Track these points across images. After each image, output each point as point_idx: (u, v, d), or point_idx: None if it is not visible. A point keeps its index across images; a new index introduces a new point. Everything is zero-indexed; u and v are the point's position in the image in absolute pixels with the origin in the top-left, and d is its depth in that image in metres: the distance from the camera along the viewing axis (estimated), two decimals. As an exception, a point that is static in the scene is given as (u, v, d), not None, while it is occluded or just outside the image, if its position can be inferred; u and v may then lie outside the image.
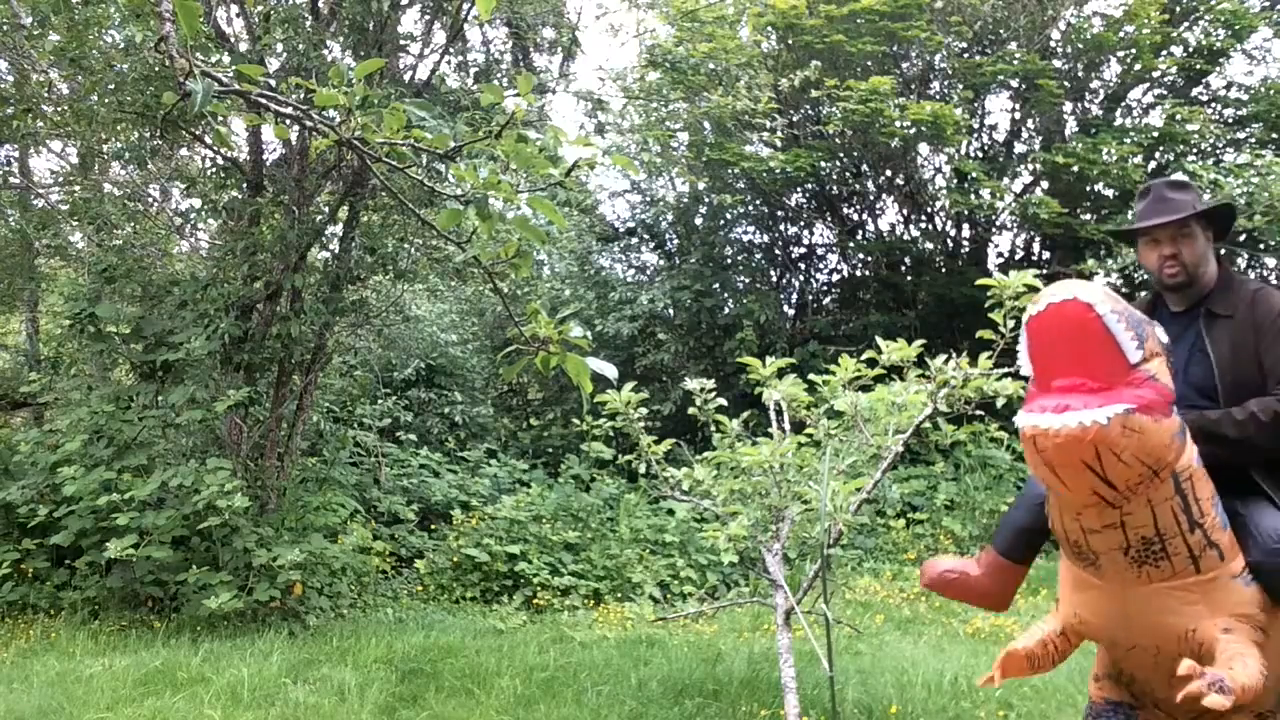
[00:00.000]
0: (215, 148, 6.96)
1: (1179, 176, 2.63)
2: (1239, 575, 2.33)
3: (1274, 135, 9.68)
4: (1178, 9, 9.91)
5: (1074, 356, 2.04)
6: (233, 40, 6.83)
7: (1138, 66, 9.82)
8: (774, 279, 12.09)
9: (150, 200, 8.34)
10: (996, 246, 11.68)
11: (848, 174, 11.52)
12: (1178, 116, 9.37)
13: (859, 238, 11.76)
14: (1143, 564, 2.25)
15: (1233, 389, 2.52)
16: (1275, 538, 2.34)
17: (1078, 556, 2.43)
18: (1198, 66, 9.88)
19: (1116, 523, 2.19)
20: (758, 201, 11.44)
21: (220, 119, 5.78)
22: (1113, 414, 1.95)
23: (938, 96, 10.37)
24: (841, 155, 11.06)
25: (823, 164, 10.54)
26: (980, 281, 3.39)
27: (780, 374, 4.12)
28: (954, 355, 3.60)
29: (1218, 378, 2.55)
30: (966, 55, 10.16)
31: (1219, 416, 2.48)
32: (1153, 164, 9.95)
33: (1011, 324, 3.26)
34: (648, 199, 12.03)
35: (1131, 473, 2.04)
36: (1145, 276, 9.92)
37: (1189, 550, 2.23)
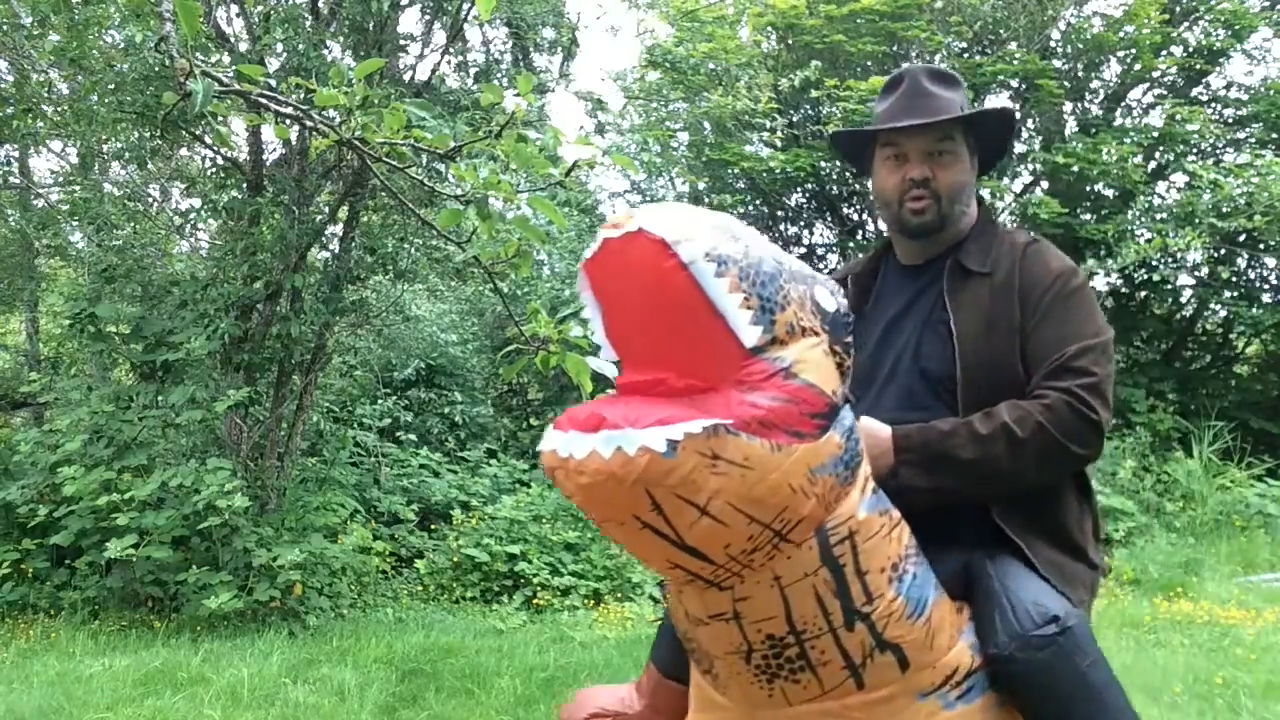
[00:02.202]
0: (215, 148, 6.96)
1: (945, 67, 1.74)
2: (936, 691, 1.52)
3: (1274, 135, 9.67)
4: (1178, 9, 9.91)
5: (645, 332, 1.33)
6: (233, 40, 6.83)
7: (1138, 66, 9.81)
8: (774, 279, 12.07)
9: (150, 200, 8.33)
10: (996, 246, 11.67)
11: (848, 174, 11.52)
12: (1178, 116, 9.36)
13: (859, 238, 11.76)
14: (774, 676, 1.47)
15: (978, 382, 1.71)
16: (1037, 615, 1.53)
17: (694, 658, 1.62)
18: (1198, 66, 9.87)
19: (728, 612, 1.42)
20: (758, 201, 11.44)
21: (220, 119, 5.78)
22: (681, 435, 1.20)
23: (938, 96, 10.36)
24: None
25: (823, 164, 10.53)
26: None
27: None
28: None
29: (959, 363, 1.72)
30: (966, 55, 10.16)
31: (952, 428, 1.65)
32: (1153, 164, 9.95)
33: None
34: (648, 199, 12.03)
35: (731, 533, 1.29)
36: (1147, 276, 9.93)
37: (844, 656, 1.45)
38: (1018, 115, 10.65)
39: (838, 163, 11.06)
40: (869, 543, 1.44)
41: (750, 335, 1.27)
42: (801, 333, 1.34)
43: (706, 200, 11.32)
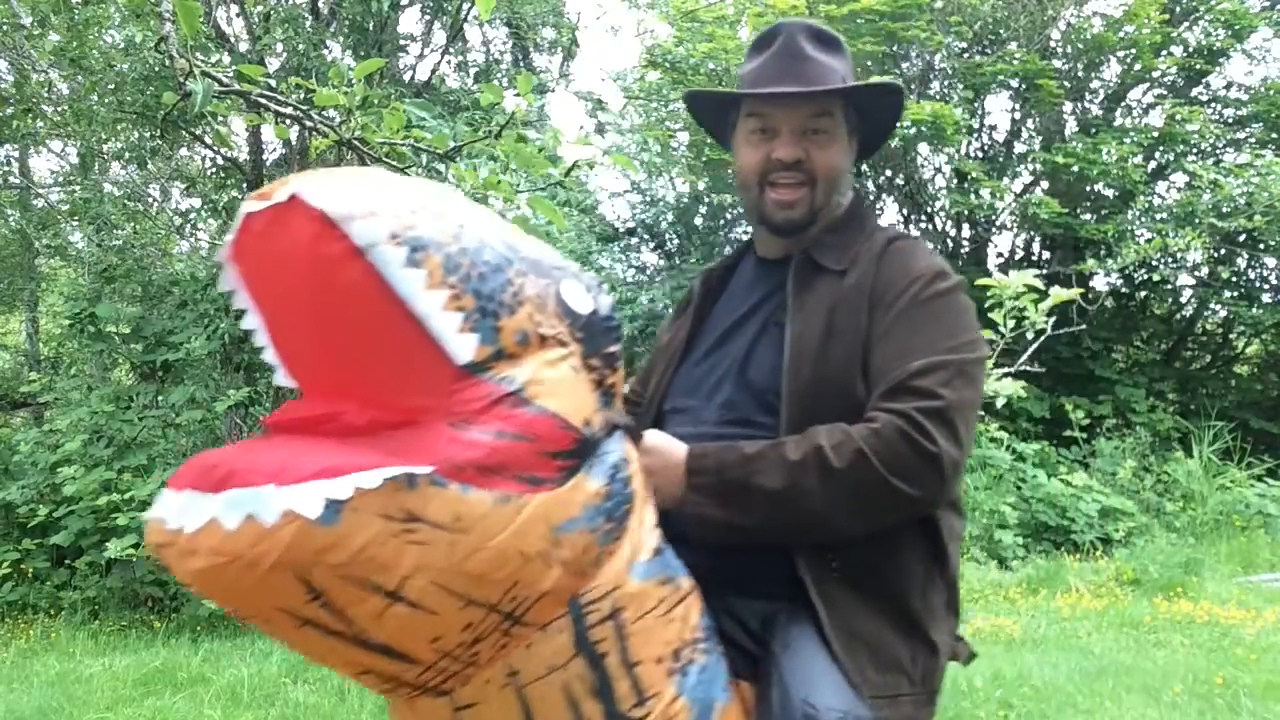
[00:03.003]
0: (215, 148, 6.96)
1: (827, 28, 1.55)
2: None
3: (1274, 135, 9.67)
4: (1178, 9, 9.91)
5: (316, 346, 1.00)
6: (233, 40, 6.83)
7: (1138, 66, 9.81)
8: (774, 279, 12.07)
9: (150, 200, 8.33)
10: (996, 246, 11.67)
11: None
12: (1178, 116, 9.36)
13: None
14: None
15: (807, 399, 1.37)
16: (808, 712, 1.21)
17: None
18: (1198, 66, 9.87)
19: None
20: (758, 201, 11.42)
21: (220, 119, 5.78)
22: (350, 492, 0.87)
23: (938, 96, 10.37)
24: (841, 155, 11.05)
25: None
26: (980, 281, 3.39)
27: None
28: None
29: (785, 373, 1.39)
30: (966, 55, 10.16)
31: (758, 451, 1.31)
32: (1153, 164, 9.95)
33: (1012, 324, 3.26)
34: (648, 199, 12.03)
35: (439, 623, 0.96)
36: (1147, 276, 9.93)
37: None
38: (1017, 115, 10.68)
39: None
40: (642, 622, 1.10)
41: (462, 348, 0.95)
42: (540, 343, 1.03)
43: (707, 200, 11.33)
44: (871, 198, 11.83)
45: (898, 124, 1.62)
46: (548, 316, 1.05)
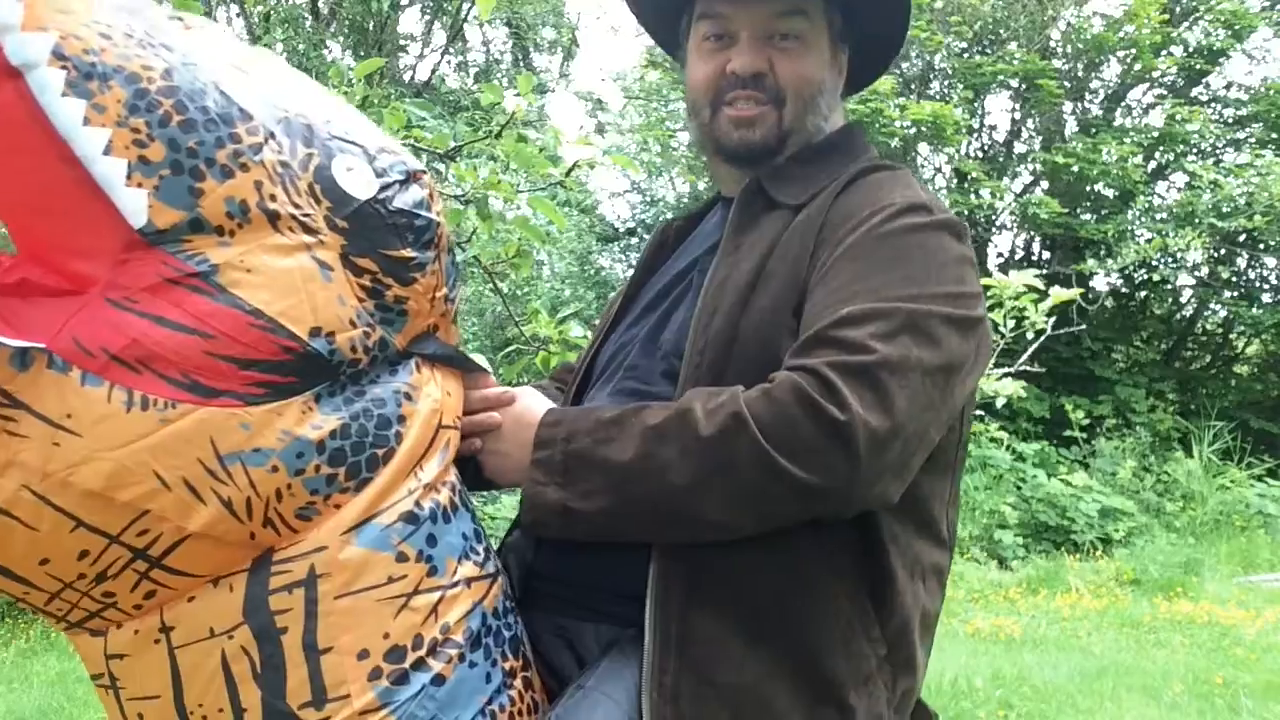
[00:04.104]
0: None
1: None
2: None
3: (1274, 135, 9.67)
4: (1178, 9, 9.91)
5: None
6: (233, 40, 6.85)
7: (1138, 66, 9.81)
8: (774, 279, 12.08)
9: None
10: (996, 247, 11.67)
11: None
12: (1178, 116, 9.36)
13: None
14: None
15: (711, 361, 1.04)
16: None
17: None
18: (1198, 66, 9.87)
19: (104, 674, 0.92)
20: (758, 201, 11.44)
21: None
22: None
23: (938, 96, 10.37)
24: (841, 155, 11.07)
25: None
26: (980, 281, 3.39)
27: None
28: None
29: (693, 323, 1.07)
30: (966, 55, 10.16)
31: (618, 414, 0.99)
32: (1153, 164, 9.95)
33: (1012, 324, 3.26)
34: (648, 199, 12.03)
35: (45, 543, 0.79)
36: (1147, 276, 9.93)
37: None
38: (1017, 115, 10.68)
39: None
40: (349, 600, 0.86)
41: (133, 206, 0.77)
42: (270, 221, 0.83)
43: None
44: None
45: (905, 36, 1.25)
46: (291, 191, 0.85)
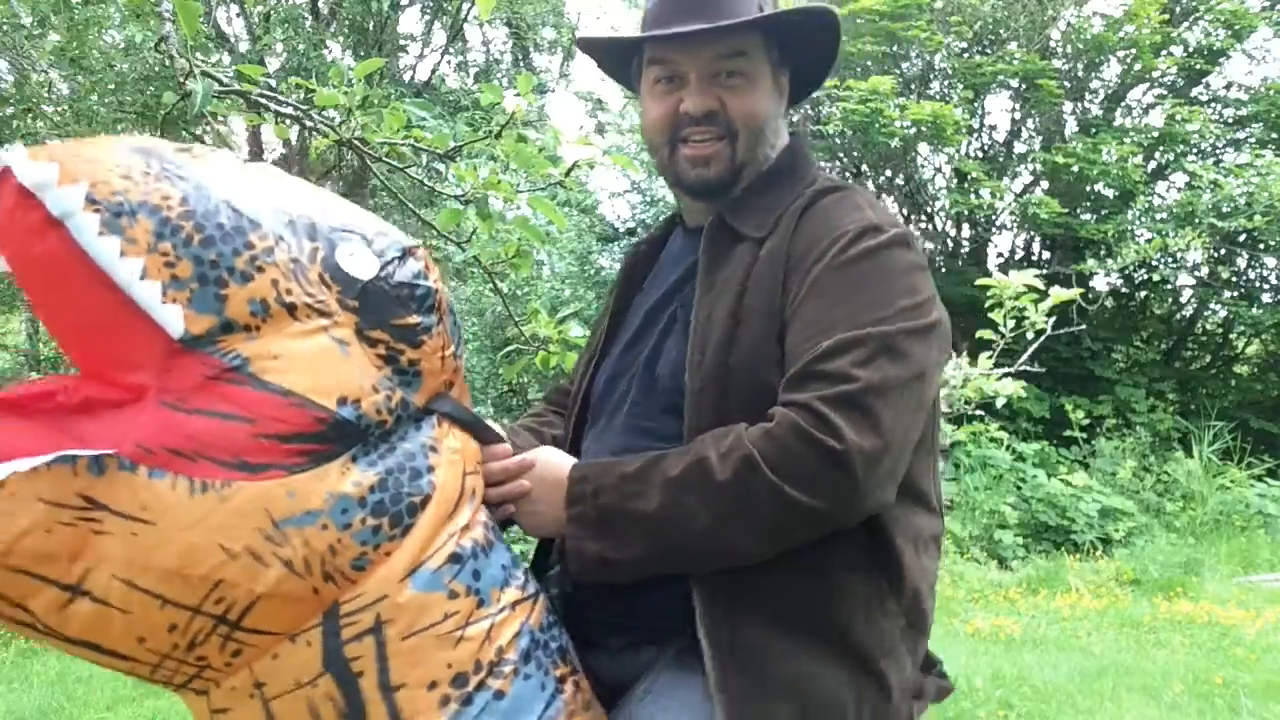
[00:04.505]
0: (215, 148, 6.97)
1: None
2: None
3: (1274, 135, 9.67)
4: (1178, 9, 9.91)
5: (50, 321, 0.96)
6: (233, 40, 6.83)
7: (1138, 66, 9.81)
8: (774, 279, 12.07)
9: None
10: (996, 246, 11.68)
11: (848, 174, 11.52)
12: (1178, 116, 9.37)
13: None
14: None
15: (713, 396, 1.15)
16: None
17: None
18: (1198, 66, 9.87)
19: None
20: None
21: (220, 119, 5.78)
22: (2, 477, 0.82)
23: (938, 96, 10.37)
24: (841, 155, 11.06)
25: (822, 164, 10.54)
26: (980, 281, 3.39)
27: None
28: (954, 355, 3.61)
29: (688, 367, 1.18)
30: (966, 55, 10.16)
31: (640, 467, 1.11)
32: (1153, 164, 9.95)
33: (1011, 324, 3.26)
34: (648, 199, 12.03)
35: (139, 623, 0.89)
36: (1147, 276, 9.93)
37: None
38: (1017, 115, 10.67)
39: (837, 162, 11.08)
40: (414, 640, 0.97)
41: (170, 319, 0.88)
42: (289, 313, 0.94)
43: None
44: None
45: (837, 53, 1.33)
46: (304, 283, 0.95)
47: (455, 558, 1.02)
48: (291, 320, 0.94)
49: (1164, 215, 9.13)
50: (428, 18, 7.44)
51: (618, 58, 1.39)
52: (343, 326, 0.97)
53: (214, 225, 0.91)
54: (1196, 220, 8.58)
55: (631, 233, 12.08)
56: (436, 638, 0.98)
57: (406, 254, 1.05)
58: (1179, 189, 9.82)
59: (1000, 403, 3.43)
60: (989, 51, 10.18)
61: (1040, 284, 3.32)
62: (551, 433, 1.42)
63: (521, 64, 8.14)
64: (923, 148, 10.54)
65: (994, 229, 11.34)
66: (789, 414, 1.05)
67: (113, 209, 0.87)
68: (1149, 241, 8.71)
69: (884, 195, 11.74)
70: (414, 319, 1.02)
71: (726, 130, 1.25)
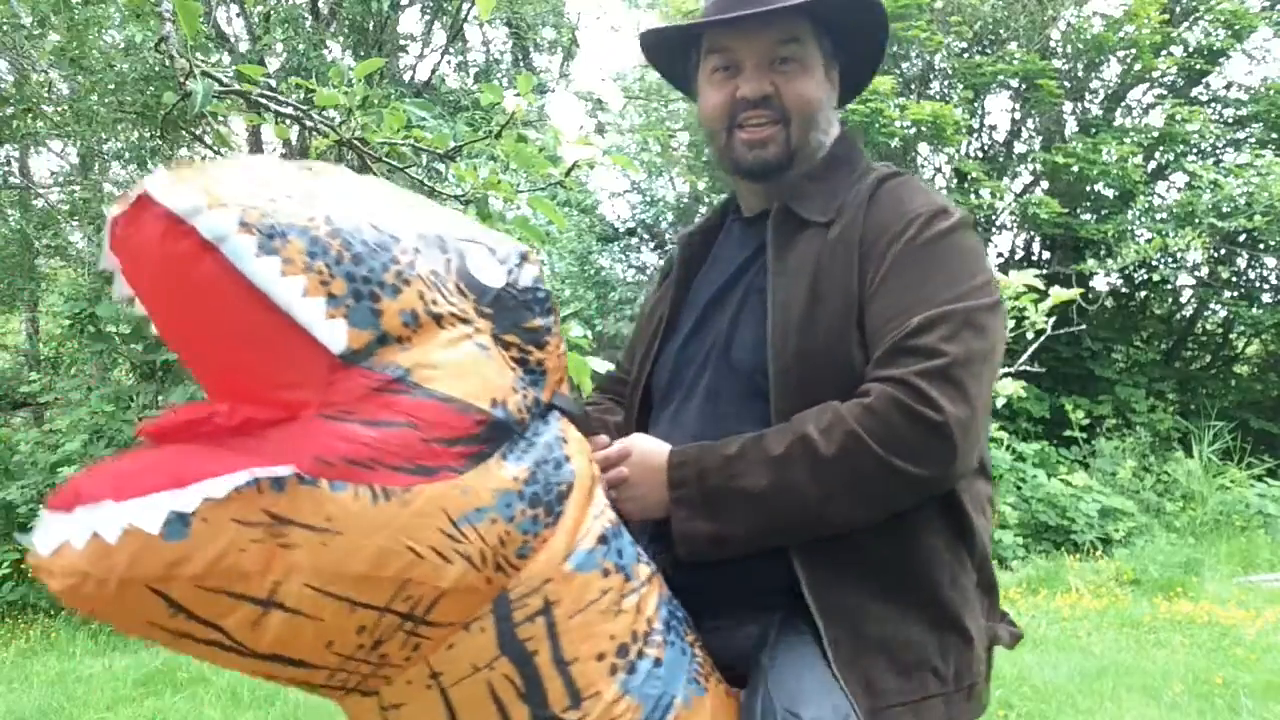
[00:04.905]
0: (215, 148, 6.96)
1: None
2: None
3: (1274, 135, 9.67)
4: (1178, 9, 9.91)
5: (195, 346, 0.96)
6: (233, 40, 6.83)
7: (1138, 66, 9.81)
8: (774, 279, 12.07)
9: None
10: (996, 246, 11.68)
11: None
12: (1178, 116, 9.37)
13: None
14: None
15: (796, 377, 1.21)
16: None
17: None
18: (1198, 66, 9.87)
19: None
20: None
21: (220, 119, 5.79)
22: (197, 503, 0.83)
23: (938, 96, 10.37)
24: (841, 155, 11.07)
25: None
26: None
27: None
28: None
29: (770, 349, 1.23)
30: (966, 55, 10.16)
31: (739, 449, 1.17)
32: (1153, 164, 9.95)
33: (1012, 324, 3.26)
34: (648, 199, 12.03)
35: (328, 628, 0.92)
36: (1147, 276, 9.93)
37: None
38: (1017, 115, 10.68)
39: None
40: (580, 617, 1.04)
41: (333, 335, 0.90)
42: (435, 323, 0.97)
43: (707, 200, 11.33)
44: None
45: (884, 51, 1.42)
46: (445, 294, 0.99)
47: (602, 539, 1.09)
48: (439, 329, 0.97)
49: (1164, 215, 9.13)
50: (428, 18, 7.44)
51: (674, 52, 1.43)
52: (482, 333, 1.02)
53: (359, 242, 0.94)
54: (1196, 220, 8.58)
55: (631, 232, 12.09)
56: (599, 613, 1.05)
57: (524, 259, 1.09)
58: (1179, 189, 9.82)
59: (1000, 403, 3.43)
60: (989, 51, 10.18)
61: (1040, 284, 3.32)
62: (613, 419, 1.47)
63: (521, 64, 8.14)
64: (923, 148, 10.54)
65: (994, 229, 11.34)
66: (886, 389, 1.13)
67: (265, 231, 0.88)
68: (1149, 241, 8.71)
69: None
70: (539, 321, 1.07)
71: (781, 114, 1.31)
